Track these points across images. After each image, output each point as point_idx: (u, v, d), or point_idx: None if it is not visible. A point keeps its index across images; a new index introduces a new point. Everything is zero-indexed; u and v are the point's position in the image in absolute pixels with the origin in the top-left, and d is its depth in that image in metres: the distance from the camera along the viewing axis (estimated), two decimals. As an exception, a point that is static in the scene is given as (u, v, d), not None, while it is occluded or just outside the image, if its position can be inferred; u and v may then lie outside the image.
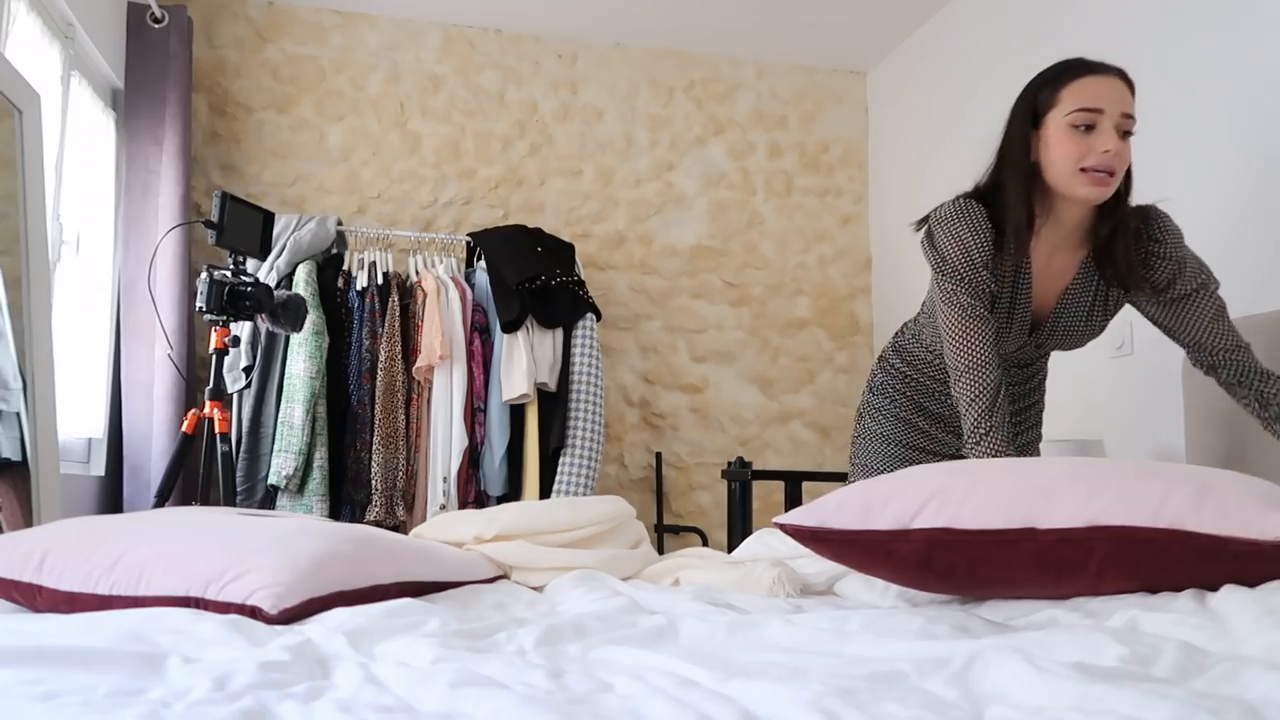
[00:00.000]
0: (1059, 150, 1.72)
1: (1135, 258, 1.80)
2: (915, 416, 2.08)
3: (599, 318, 3.69)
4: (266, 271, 3.33)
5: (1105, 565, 1.15)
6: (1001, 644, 0.89)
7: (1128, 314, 2.72)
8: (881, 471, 2.09)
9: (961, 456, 1.94)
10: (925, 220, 1.87)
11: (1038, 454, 2.18)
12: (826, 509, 1.31)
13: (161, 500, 2.63)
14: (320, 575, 1.24)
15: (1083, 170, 1.70)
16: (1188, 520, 1.12)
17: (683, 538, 3.94)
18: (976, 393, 1.74)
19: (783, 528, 1.35)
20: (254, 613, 1.15)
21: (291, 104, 3.86)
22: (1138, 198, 1.85)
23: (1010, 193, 1.77)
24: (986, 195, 1.81)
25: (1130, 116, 1.71)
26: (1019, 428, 2.08)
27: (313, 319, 3.23)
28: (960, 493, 1.23)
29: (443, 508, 3.29)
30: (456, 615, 1.22)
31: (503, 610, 1.35)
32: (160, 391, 3.32)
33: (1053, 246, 1.83)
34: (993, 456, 1.70)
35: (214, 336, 2.71)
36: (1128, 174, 1.78)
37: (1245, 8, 2.49)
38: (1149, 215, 1.83)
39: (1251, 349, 1.83)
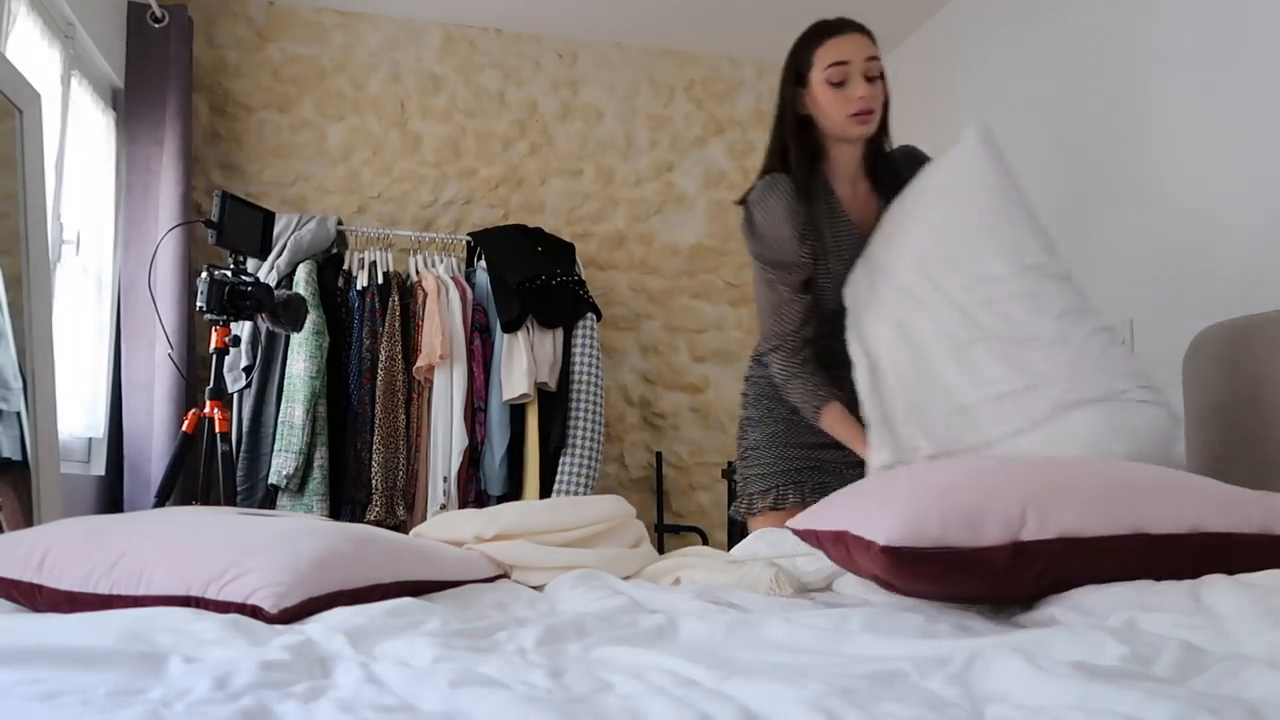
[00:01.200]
0: (826, 104, 1.99)
1: (896, 175, 2.07)
2: (793, 415, 2.11)
3: (599, 317, 3.69)
4: (267, 271, 3.33)
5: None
6: (1001, 643, 0.89)
7: (1127, 312, 2.72)
8: (779, 472, 2.12)
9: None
10: (743, 201, 2.03)
11: None
12: (931, 528, 1.13)
13: (161, 500, 2.63)
14: (320, 575, 1.24)
15: (851, 116, 1.97)
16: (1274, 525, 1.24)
17: (683, 537, 3.94)
18: (788, 352, 2.00)
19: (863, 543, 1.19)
20: (254, 612, 1.15)
21: (292, 104, 3.86)
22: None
23: (792, 147, 2.02)
24: (782, 162, 2.03)
25: (875, 59, 1.99)
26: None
27: (313, 319, 3.23)
28: (1048, 499, 1.17)
29: (443, 507, 3.29)
30: (457, 615, 1.22)
31: (503, 610, 1.35)
32: (160, 391, 3.32)
33: (850, 180, 2.08)
34: (809, 394, 1.97)
35: (214, 336, 2.71)
36: (885, 106, 2.05)
37: None
38: (910, 151, 2.13)
39: None
